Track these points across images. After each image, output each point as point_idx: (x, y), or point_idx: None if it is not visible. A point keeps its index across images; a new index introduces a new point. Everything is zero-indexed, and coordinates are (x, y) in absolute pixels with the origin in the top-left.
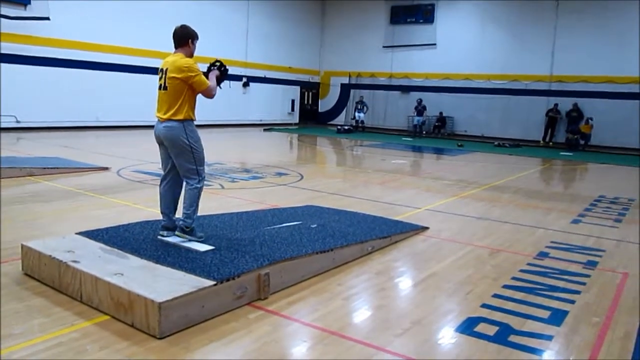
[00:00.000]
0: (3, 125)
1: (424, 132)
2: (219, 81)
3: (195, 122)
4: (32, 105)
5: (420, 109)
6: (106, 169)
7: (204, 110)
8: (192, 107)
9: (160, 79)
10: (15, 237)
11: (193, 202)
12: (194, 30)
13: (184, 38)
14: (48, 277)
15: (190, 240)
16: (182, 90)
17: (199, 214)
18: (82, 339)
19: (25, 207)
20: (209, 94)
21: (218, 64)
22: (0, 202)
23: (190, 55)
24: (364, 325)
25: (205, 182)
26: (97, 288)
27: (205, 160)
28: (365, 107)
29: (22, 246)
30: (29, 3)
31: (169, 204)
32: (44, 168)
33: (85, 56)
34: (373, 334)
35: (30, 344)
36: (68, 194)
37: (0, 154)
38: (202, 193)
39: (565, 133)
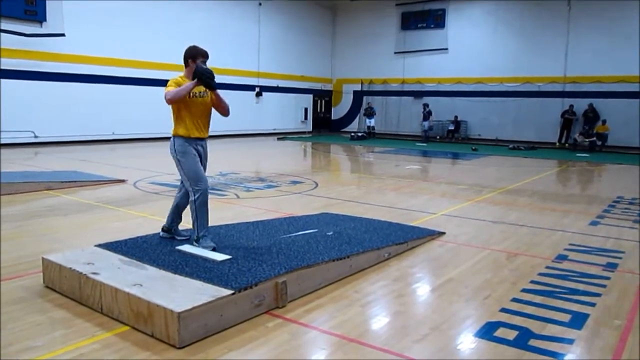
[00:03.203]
0: (21, 140)
1: (437, 137)
2: (208, 86)
3: (209, 133)
4: (49, 120)
5: (425, 114)
6: (123, 181)
7: (217, 120)
8: (185, 123)
9: None
10: (36, 250)
11: (194, 215)
12: (194, 51)
13: (184, 59)
14: (69, 289)
15: (203, 249)
16: (173, 108)
17: (216, 223)
18: (103, 350)
19: (44, 221)
20: (165, 99)
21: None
22: (0, 216)
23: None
24: (383, 331)
25: (220, 192)
26: (117, 299)
27: (220, 171)
28: (374, 113)
29: (43, 259)
30: (45, 20)
31: (172, 209)
32: (62, 182)
33: (100, 71)
34: (392, 341)
35: (52, 356)
36: (86, 207)
37: (0, 169)
38: (218, 203)
39: (579, 135)
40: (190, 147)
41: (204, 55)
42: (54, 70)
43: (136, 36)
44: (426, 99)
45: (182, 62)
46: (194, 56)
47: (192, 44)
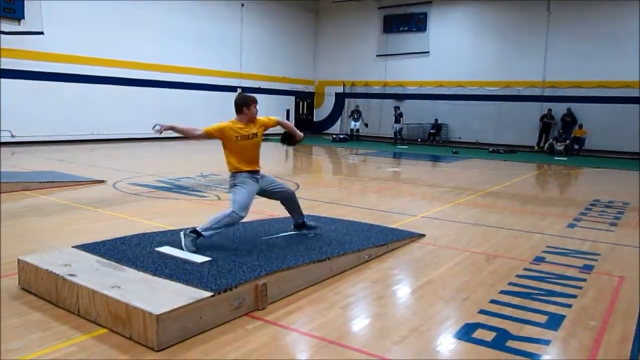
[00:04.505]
0: None
1: (418, 140)
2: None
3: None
4: (26, 119)
5: (396, 117)
6: (102, 182)
7: (197, 121)
8: (233, 160)
9: None
10: (12, 251)
11: (215, 219)
12: (248, 99)
13: (238, 107)
14: (45, 291)
15: (183, 251)
16: (223, 148)
17: (196, 225)
18: (80, 353)
19: (21, 222)
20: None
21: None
22: (0, 216)
23: (248, 120)
24: (363, 333)
25: (201, 194)
26: (95, 301)
27: (201, 172)
28: (360, 116)
29: (19, 261)
30: (23, 18)
31: (288, 211)
32: (40, 182)
33: (79, 70)
34: (371, 342)
35: (29, 359)
36: (64, 208)
37: (0, 168)
38: (199, 205)
39: (553, 141)
40: (244, 178)
41: (255, 102)
42: (32, 69)
43: (117, 35)
44: (407, 102)
45: (164, 62)
46: (249, 104)
47: (241, 93)
